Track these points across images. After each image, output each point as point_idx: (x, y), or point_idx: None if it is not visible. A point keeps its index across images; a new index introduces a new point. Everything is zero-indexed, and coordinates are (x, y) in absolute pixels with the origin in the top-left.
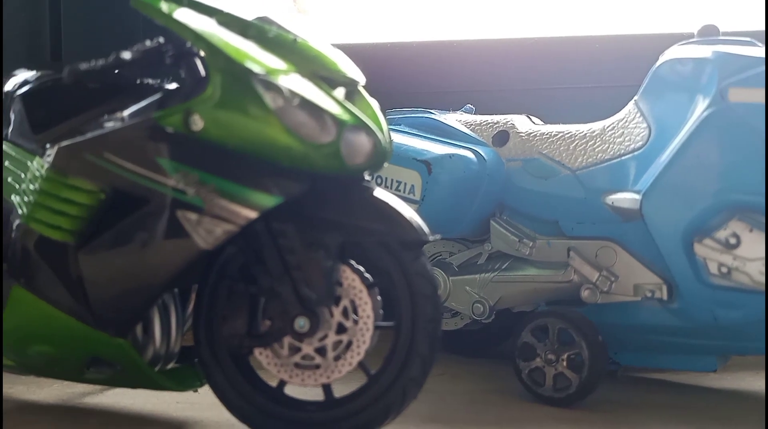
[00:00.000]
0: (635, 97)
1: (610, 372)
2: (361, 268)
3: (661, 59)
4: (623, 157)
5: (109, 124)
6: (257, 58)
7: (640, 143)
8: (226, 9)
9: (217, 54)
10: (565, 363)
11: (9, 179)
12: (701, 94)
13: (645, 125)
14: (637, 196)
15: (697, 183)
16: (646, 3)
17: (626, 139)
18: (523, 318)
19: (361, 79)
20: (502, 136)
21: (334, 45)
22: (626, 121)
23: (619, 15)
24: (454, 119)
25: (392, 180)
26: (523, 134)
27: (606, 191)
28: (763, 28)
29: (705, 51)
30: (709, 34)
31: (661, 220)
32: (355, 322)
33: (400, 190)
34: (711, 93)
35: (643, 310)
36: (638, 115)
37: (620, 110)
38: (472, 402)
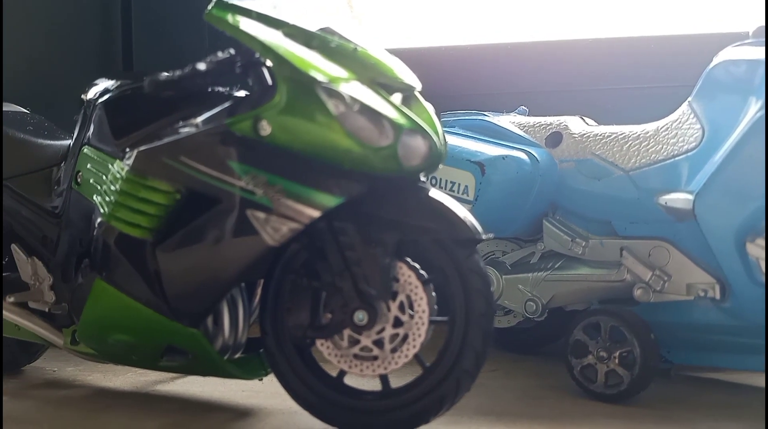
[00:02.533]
0: (689, 98)
1: (663, 370)
2: (417, 265)
3: (715, 61)
4: (677, 158)
5: (184, 130)
6: (321, 67)
7: (694, 144)
8: (291, 21)
9: (283, 64)
10: (616, 360)
11: (91, 181)
12: (754, 95)
13: (699, 126)
14: (690, 197)
15: (750, 183)
16: (702, 2)
17: (680, 139)
18: (576, 316)
19: (417, 84)
20: (555, 138)
21: (390, 49)
22: (680, 122)
23: (675, 14)
24: (507, 121)
25: (447, 181)
26: (576, 135)
27: (659, 191)
28: None
29: (758, 53)
30: (762, 35)
31: (714, 220)
32: (411, 316)
33: (454, 191)
34: (764, 95)
35: (695, 309)
36: (692, 116)
37: (674, 110)
38: (524, 397)
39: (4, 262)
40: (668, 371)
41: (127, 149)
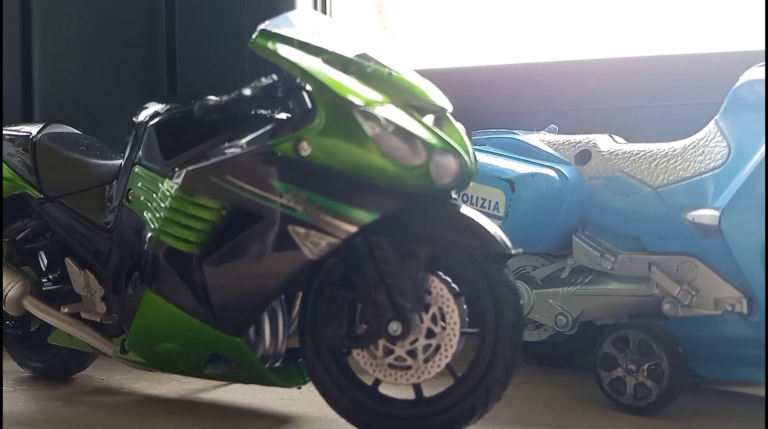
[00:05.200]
0: (715, 117)
1: (693, 384)
2: (449, 279)
3: (741, 80)
4: (704, 175)
5: (230, 151)
6: (357, 91)
7: (720, 162)
8: (330, 48)
9: (323, 89)
10: (645, 373)
11: (141, 198)
12: None
13: (725, 144)
14: (716, 213)
15: None
16: (729, 21)
17: (707, 157)
18: (605, 330)
19: (448, 106)
20: (584, 155)
21: (423, 70)
22: (707, 139)
23: (704, 33)
24: (537, 139)
25: (478, 197)
26: (605, 153)
27: (687, 208)
28: None
29: None
30: None
31: (740, 236)
32: (443, 327)
33: (485, 207)
34: None
35: (724, 323)
36: (718, 134)
37: (702, 128)
38: (554, 408)
39: (57, 275)
40: (698, 385)
41: (176, 169)
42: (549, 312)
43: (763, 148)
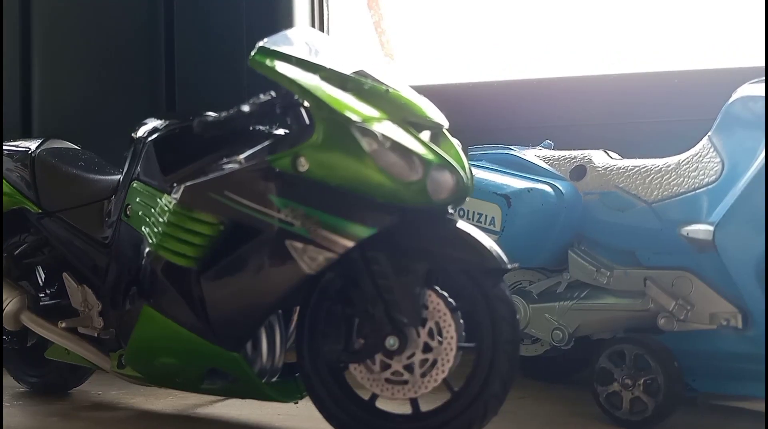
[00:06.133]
0: (709, 133)
1: (690, 399)
2: (445, 293)
3: (734, 97)
4: (698, 191)
5: (228, 166)
6: (355, 107)
7: (714, 177)
8: (328, 65)
9: (321, 105)
10: (641, 387)
11: (140, 213)
12: None
13: (718, 160)
14: (711, 228)
15: None
16: (723, 37)
17: (700, 173)
18: (602, 344)
19: (444, 122)
20: (579, 171)
21: (420, 86)
22: (700, 155)
23: (695, 50)
24: (533, 155)
25: (474, 212)
26: (600, 169)
27: (681, 223)
28: None
29: None
30: None
31: (734, 251)
32: (440, 342)
33: (481, 222)
34: None
35: (719, 337)
36: (712, 150)
37: (696, 143)
38: (552, 423)
39: (54, 290)
40: (694, 399)
41: (175, 184)
42: (545, 327)
43: (757, 163)
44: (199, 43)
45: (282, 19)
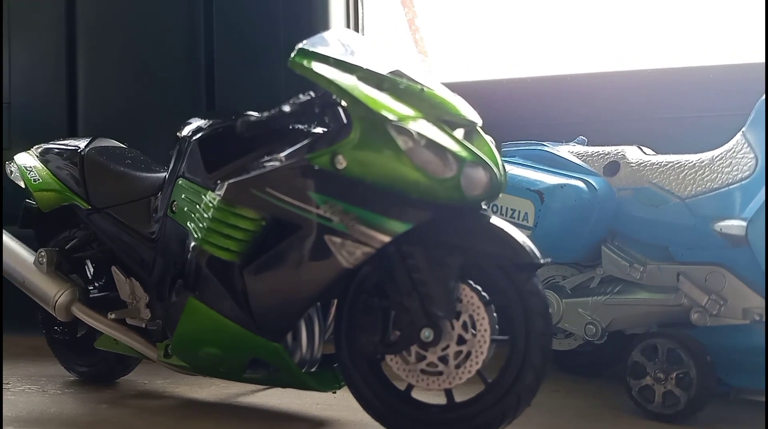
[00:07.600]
0: (743, 128)
1: (723, 393)
2: (479, 287)
3: None
4: (731, 186)
5: (269, 164)
6: (391, 107)
7: (748, 173)
8: (365, 66)
9: (358, 105)
10: (674, 381)
11: (185, 209)
12: None
13: (752, 155)
14: (744, 223)
15: None
16: (757, 32)
17: (734, 168)
18: (635, 339)
19: (478, 120)
20: (612, 167)
21: (454, 83)
22: (734, 151)
23: (730, 44)
24: (566, 151)
25: (507, 208)
26: (633, 164)
27: (714, 218)
28: None
29: None
30: None
31: (766, 246)
32: (474, 335)
33: (514, 218)
34: None
35: (752, 332)
36: (746, 145)
37: (730, 139)
38: (584, 416)
39: (103, 283)
40: (727, 394)
41: (218, 181)
42: (578, 321)
43: None
44: (237, 44)
45: (318, 20)
